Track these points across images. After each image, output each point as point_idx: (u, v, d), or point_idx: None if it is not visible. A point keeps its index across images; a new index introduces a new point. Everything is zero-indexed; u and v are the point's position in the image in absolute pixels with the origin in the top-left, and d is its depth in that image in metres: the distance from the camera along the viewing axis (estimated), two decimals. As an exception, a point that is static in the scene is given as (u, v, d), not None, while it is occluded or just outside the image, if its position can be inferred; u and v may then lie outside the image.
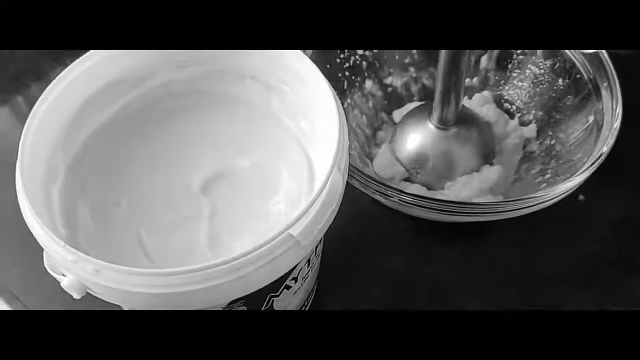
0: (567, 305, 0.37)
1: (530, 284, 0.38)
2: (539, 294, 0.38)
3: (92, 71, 0.31)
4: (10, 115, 0.49)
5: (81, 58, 0.30)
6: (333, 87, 0.29)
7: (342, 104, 0.35)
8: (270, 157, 0.32)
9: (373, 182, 0.34)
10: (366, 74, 0.44)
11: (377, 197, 0.35)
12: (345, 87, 0.42)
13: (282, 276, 0.27)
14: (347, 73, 0.43)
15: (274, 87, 0.33)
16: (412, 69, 0.44)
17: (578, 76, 0.39)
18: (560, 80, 0.40)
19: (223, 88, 0.34)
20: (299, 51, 0.31)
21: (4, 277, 0.39)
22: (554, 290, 0.38)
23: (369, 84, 0.44)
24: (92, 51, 0.31)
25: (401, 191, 0.33)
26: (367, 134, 0.43)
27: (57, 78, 0.30)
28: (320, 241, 0.32)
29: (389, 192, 0.34)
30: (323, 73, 0.30)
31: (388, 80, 0.44)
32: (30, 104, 0.28)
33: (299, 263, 0.29)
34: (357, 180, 0.34)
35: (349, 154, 0.31)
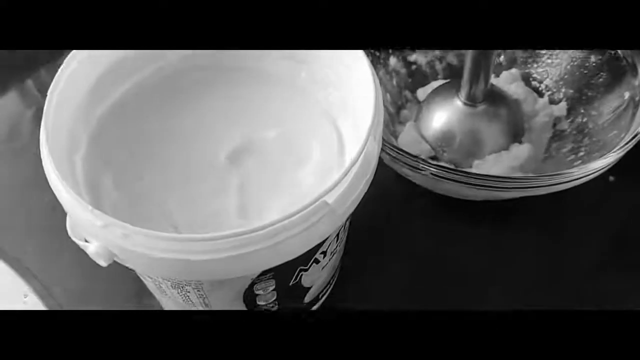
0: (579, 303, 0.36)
1: (540, 281, 0.37)
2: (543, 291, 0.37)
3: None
4: (20, 98, 0.48)
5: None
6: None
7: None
8: (299, 130, 0.31)
9: (405, 154, 0.33)
10: (390, 50, 0.43)
11: (406, 170, 0.34)
12: (369, 63, 0.42)
13: (313, 248, 0.27)
14: (371, 49, 0.42)
15: (305, 60, 0.32)
16: (437, 47, 0.44)
17: (612, 53, 0.38)
18: (592, 57, 0.39)
19: (248, 61, 0.33)
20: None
21: (21, 254, 0.39)
22: (561, 287, 0.37)
23: (393, 61, 0.43)
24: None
25: (433, 164, 0.32)
26: (390, 112, 0.42)
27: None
28: (350, 216, 0.31)
29: (420, 165, 0.33)
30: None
31: (412, 58, 0.44)
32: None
33: (330, 235, 0.28)
34: (387, 153, 0.33)
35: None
